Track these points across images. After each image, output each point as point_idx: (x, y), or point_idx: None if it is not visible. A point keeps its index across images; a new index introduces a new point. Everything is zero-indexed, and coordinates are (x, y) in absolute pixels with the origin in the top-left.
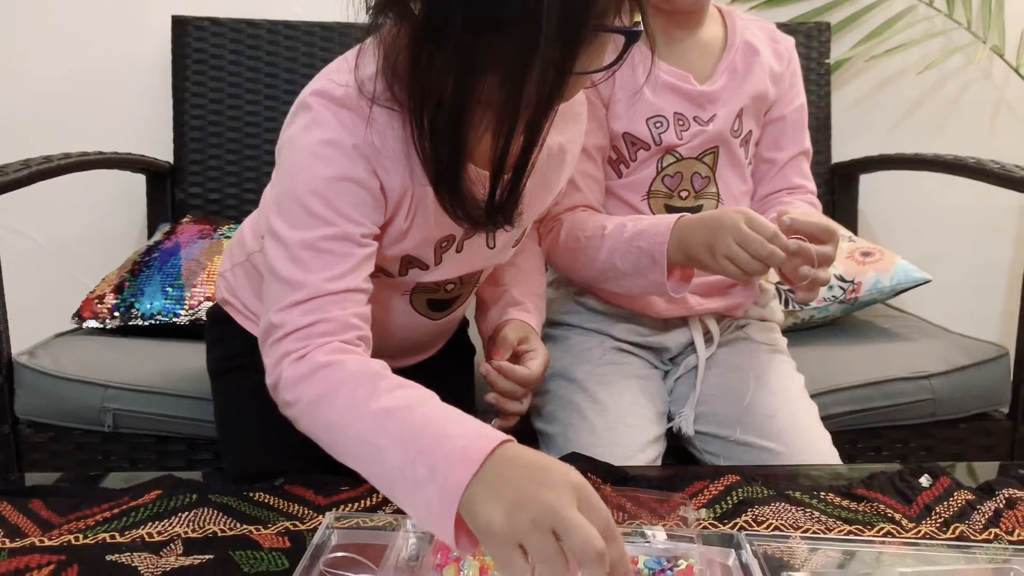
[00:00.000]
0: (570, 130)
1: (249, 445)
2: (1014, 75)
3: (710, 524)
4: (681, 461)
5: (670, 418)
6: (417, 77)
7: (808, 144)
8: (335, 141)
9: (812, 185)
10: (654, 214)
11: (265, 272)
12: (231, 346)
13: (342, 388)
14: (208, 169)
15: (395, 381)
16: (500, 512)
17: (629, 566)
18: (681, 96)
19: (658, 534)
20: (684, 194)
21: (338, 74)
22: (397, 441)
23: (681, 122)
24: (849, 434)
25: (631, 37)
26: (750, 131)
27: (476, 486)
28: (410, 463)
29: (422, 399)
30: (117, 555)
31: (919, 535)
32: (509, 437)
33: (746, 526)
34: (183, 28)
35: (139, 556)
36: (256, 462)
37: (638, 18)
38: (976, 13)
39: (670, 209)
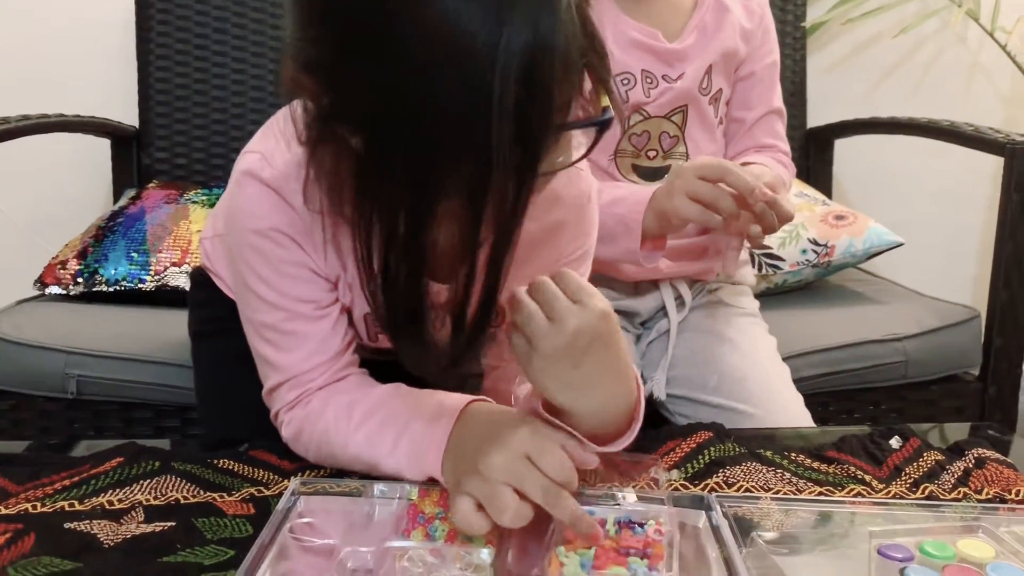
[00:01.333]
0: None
1: (230, 410)
2: (988, 39)
3: (681, 485)
4: (653, 425)
5: (644, 383)
6: (364, 216)
7: (779, 103)
8: (265, 231)
9: (785, 145)
10: (621, 174)
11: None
12: (213, 309)
13: (324, 440)
14: (175, 134)
15: (361, 411)
16: (456, 478)
17: (576, 517)
18: (649, 53)
19: (628, 495)
20: (652, 154)
21: (272, 152)
22: (383, 457)
23: (649, 80)
24: (821, 397)
25: (602, 125)
26: (720, 89)
27: (445, 462)
28: (401, 467)
29: (390, 409)
30: (76, 523)
31: (889, 496)
32: (471, 400)
33: (717, 488)
34: None
35: (99, 524)
36: (237, 428)
37: (606, 101)
38: None
39: (637, 169)
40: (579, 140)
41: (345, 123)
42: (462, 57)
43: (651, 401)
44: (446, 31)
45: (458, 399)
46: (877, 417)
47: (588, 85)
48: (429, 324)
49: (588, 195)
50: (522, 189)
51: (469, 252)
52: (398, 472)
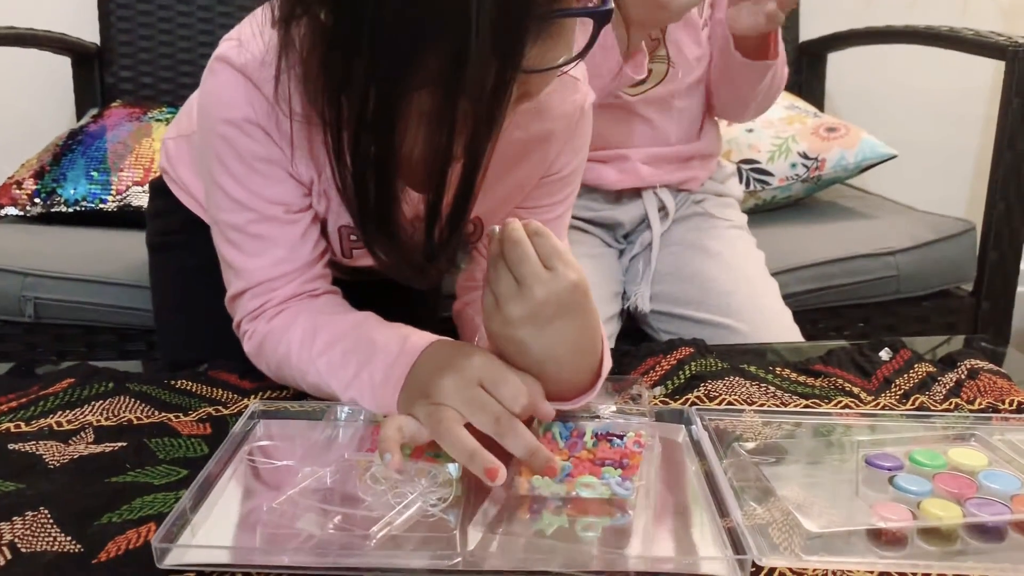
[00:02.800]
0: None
1: (187, 326)
2: None
3: (662, 402)
4: (638, 342)
5: (627, 298)
6: (334, 97)
7: None
8: (237, 121)
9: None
10: None
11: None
12: (169, 221)
13: (284, 361)
14: (139, 51)
15: (325, 337)
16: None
17: (531, 449)
18: None
19: (608, 408)
20: None
21: (249, 39)
22: (342, 388)
23: None
24: (810, 313)
25: (600, 17)
26: None
27: (401, 397)
28: (359, 400)
29: (353, 340)
30: (21, 444)
31: (878, 408)
32: (436, 339)
33: (698, 402)
34: None
35: (45, 445)
36: (194, 344)
37: None
38: None
39: None
40: (580, 44)
41: None
42: None
43: (635, 318)
44: None
45: (423, 337)
46: (867, 334)
47: None
48: (399, 217)
49: (582, 108)
50: (504, 78)
51: (445, 143)
52: (356, 404)
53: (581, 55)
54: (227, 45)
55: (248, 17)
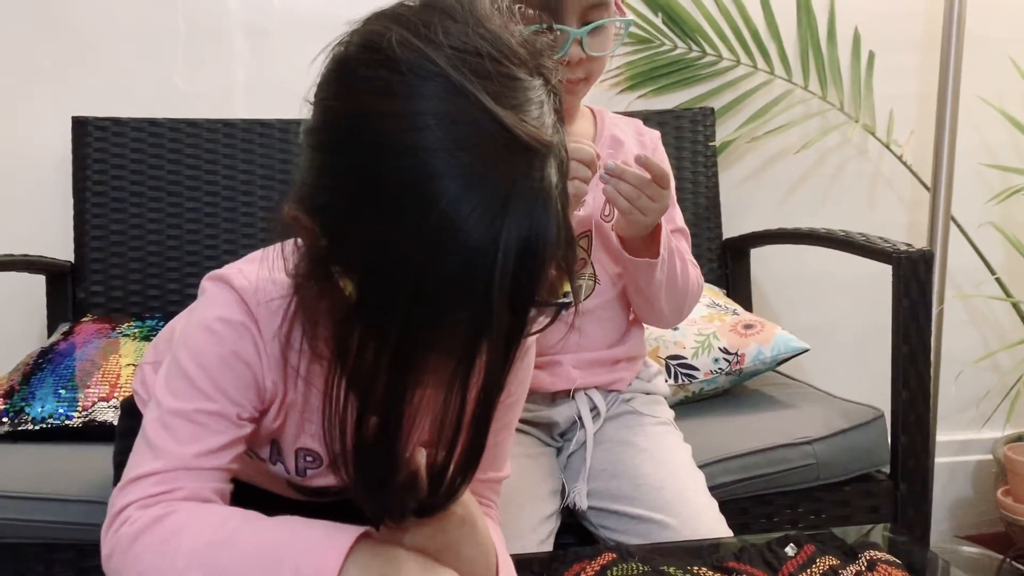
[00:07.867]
0: None
1: None
2: (887, 151)
3: None
4: (580, 537)
5: (567, 495)
6: (342, 359)
7: (680, 223)
8: (227, 318)
9: (691, 260)
10: None
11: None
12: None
13: (177, 534)
14: (111, 267)
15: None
16: None
17: None
18: None
19: None
20: None
21: (248, 269)
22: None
23: None
24: (740, 502)
25: (566, 307)
26: None
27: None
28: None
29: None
30: None
31: None
32: (363, 530)
33: None
34: (84, 129)
35: None
36: None
37: (566, 287)
38: (847, 95)
39: None
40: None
41: (340, 267)
42: (463, 243)
43: (575, 514)
44: (450, 217)
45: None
46: (796, 520)
47: None
48: (398, 476)
49: (527, 344)
50: (508, 356)
51: (455, 414)
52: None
53: (544, 328)
54: (225, 268)
55: (249, 256)
